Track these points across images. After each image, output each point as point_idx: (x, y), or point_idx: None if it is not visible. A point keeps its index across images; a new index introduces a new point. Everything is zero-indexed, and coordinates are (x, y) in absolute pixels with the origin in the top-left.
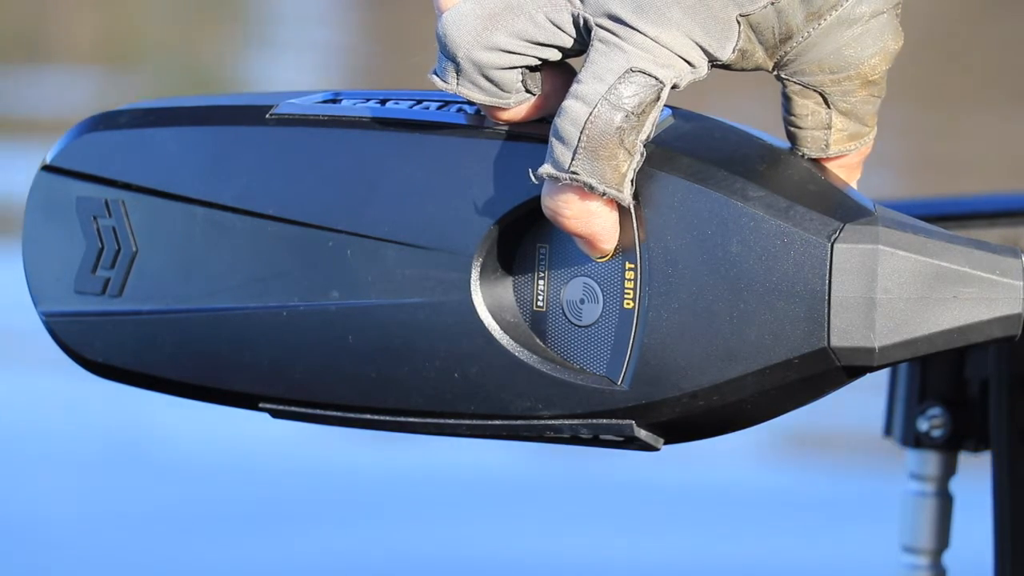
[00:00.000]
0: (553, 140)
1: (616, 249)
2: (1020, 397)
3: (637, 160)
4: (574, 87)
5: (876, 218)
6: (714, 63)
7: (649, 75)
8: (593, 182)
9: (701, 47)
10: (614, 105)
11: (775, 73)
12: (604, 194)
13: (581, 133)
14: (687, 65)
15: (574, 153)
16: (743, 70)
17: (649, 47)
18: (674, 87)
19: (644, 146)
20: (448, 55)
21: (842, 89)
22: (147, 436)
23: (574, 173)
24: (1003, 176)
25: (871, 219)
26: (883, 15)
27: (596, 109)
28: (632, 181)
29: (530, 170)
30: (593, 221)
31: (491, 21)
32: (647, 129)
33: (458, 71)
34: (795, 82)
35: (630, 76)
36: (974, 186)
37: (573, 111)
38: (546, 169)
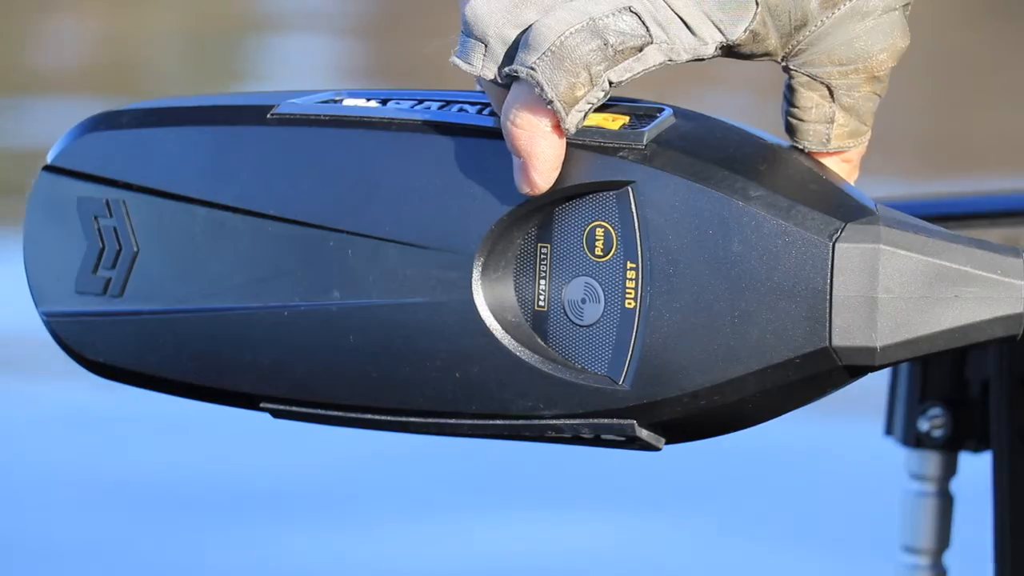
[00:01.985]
0: (526, 39)
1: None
2: (1020, 397)
3: (597, 96)
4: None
5: (877, 217)
6: (724, 43)
7: (642, 22)
8: (545, 85)
9: (713, 22)
10: (596, 30)
11: (783, 64)
12: (550, 103)
13: (557, 38)
14: (691, 37)
15: (541, 54)
16: (752, 55)
17: (656, 1)
18: (670, 61)
19: (611, 88)
20: (476, 35)
21: (848, 83)
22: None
23: (532, 69)
24: None
25: (872, 218)
26: (895, 11)
27: (579, 25)
28: (584, 116)
29: (496, 68)
30: (536, 140)
31: None
32: (620, 73)
33: (486, 51)
34: (803, 73)
35: (623, 14)
36: None
37: (557, 17)
38: (509, 67)
